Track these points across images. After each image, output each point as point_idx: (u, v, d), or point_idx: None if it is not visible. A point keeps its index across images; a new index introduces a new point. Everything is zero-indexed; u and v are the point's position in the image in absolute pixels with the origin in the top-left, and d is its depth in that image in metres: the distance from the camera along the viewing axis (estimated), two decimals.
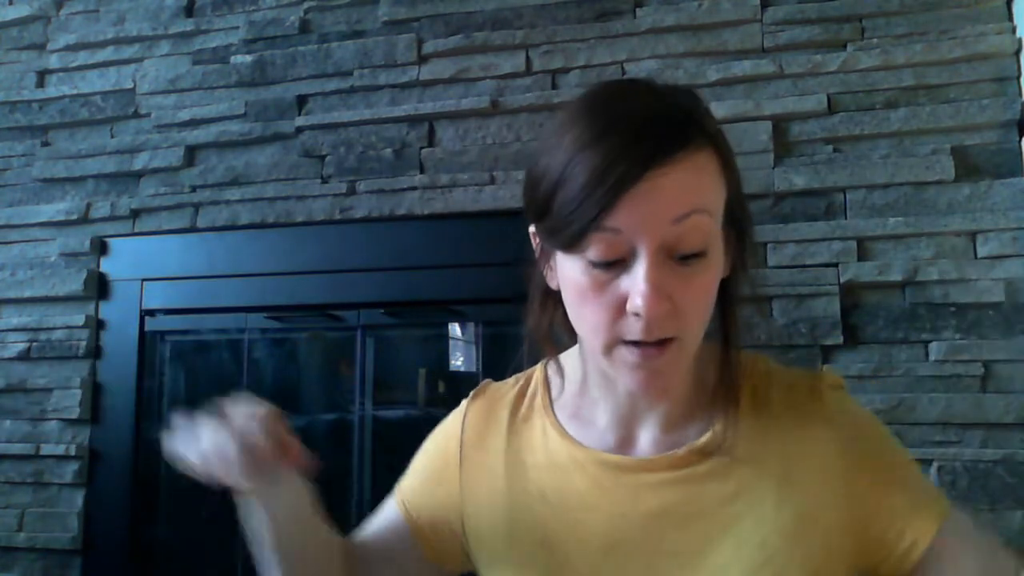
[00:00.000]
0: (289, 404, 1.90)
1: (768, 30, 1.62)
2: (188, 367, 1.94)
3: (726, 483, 0.67)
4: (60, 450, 1.86)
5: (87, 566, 1.82)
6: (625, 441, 0.71)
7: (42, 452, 1.87)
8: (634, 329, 0.60)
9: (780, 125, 1.58)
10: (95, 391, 1.88)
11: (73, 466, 1.85)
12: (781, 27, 1.62)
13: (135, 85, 1.97)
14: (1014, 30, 1.51)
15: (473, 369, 1.79)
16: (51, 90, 2.02)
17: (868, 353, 1.48)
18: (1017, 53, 1.50)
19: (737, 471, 0.67)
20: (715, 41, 1.64)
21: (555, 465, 0.72)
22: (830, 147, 1.56)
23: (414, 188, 1.75)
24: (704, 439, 0.68)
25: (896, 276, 1.48)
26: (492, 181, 1.71)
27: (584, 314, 0.64)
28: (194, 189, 1.89)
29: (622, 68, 1.69)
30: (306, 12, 1.90)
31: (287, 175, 1.84)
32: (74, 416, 1.86)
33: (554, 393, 0.77)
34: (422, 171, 1.76)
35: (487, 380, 0.83)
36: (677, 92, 0.64)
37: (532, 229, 0.70)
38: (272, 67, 1.88)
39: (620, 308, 0.61)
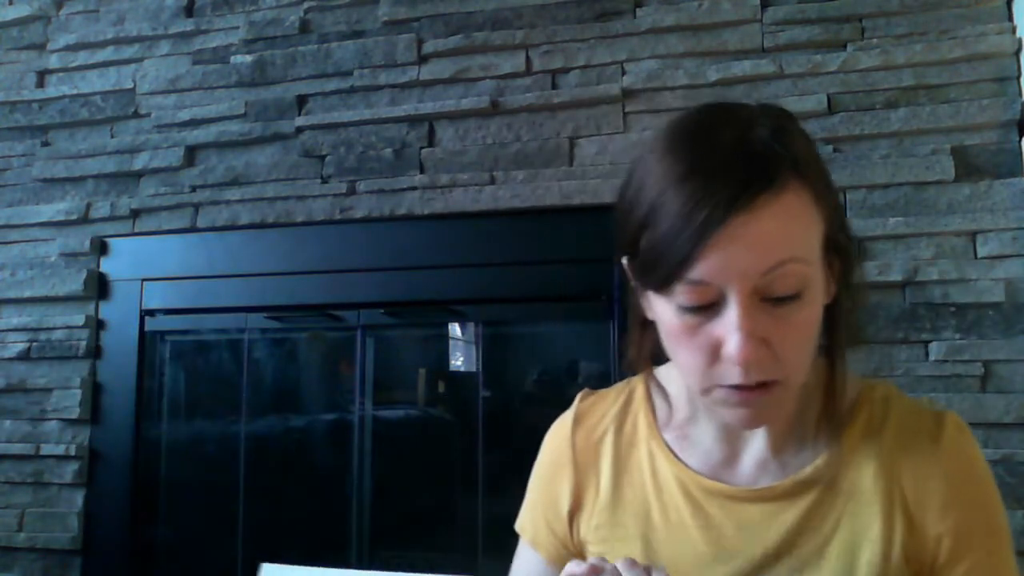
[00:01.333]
0: (289, 404, 1.90)
1: (768, 30, 1.62)
2: (188, 367, 1.94)
3: (830, 515, 0.66)
4: (60, 450, 1.86)
5: (87, 566, 1.82)
6: (730, 459, 0.70)
7: (42, 452, 1.87)
8: (732, 374, 0.58)
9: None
10: (95, 391, 1.88)
11: (73, 466, 1.85)
12: (781, 27, 1.62)
13: (135, 85, 1.97)
14: (1014, 30, 1.51)
15: (473, 369, 1.79)
16: (51, 90, 2.02)
17: (868, 353, 1.48)
18: (1017, 53, 1.50)
19: (843, 503, 0.66)
20: (715, 41, 1.64)
21: (660, 486, 0.71)
22: (830, 147, 1.56)
23: (414, 188, 1.75)
24: (809, 470, 0.67)
25: (896, 276, 1.48)
26: (492, 181, 1.71)
27: (679, 356, 0.62)
28: (194, 189, 1.89)
29: (622, 68, 1.69)
30: (306, 12, 1.90)
31: (287, 175, 1.84)
32: (74, 416, 1.86)
33: (659, 412, 0.75)
34: (422, 171, 1.76)
35: (585, 393, 0.81)
36: (763, 119, 0.60)
37: (624, 261, 0.68)
38: (272, 67, 1.88)
39: (715, 353, 0.59)
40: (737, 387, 0.59)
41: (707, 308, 0.58)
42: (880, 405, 0.69)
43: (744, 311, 0.56)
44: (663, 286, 0.59)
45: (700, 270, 0.56)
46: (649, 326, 0.68)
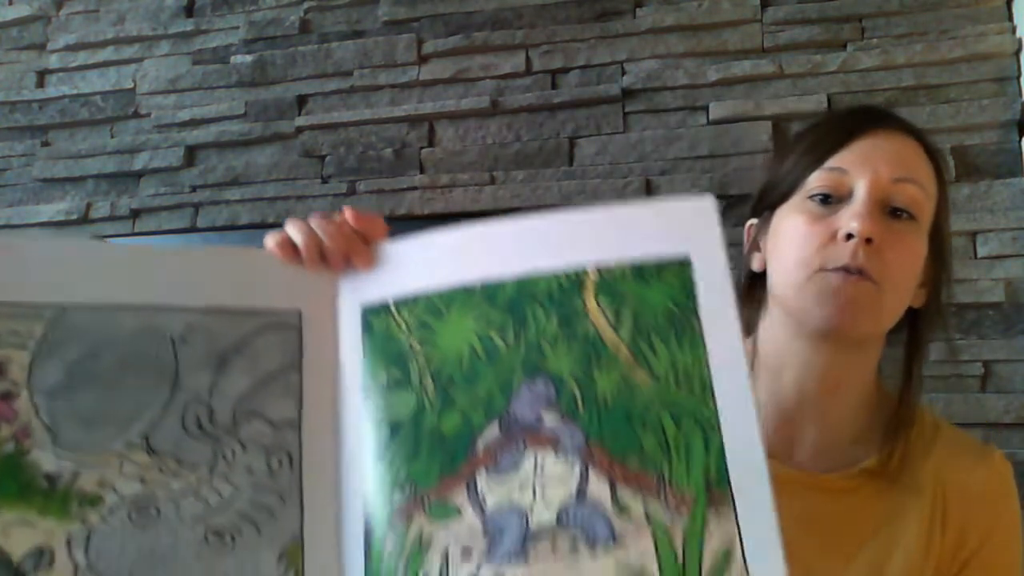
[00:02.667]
0: None
1: (768, 30, 1.62)
2: None
3: (879, 506, 0.67)
4: None
5: None
6: (786, 443, 0.70)
7: None
8: (842, 254, 0.63)
9: (780, 125, 1.58)
10: None
11: None
12: (781, 27, 1.62)
13: (135, 85, 1.97)
14: (1014, 30, 1.51)
15: None
16: (51, 90, 2.02)
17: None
18: (1017, 53, 1.50)
19: (895, 498, 0.67)
20: (715, 41, 1.64)
21: None
22: None
23: (414, 188, 1.75)
24: (872, 461, 0.68)
25: None
26: (492, 181, 1.71)
27: (792, 250, 0.66)
28: (194, 189, 1.89)
29: (622, 68, 1.69)
30: (306, 12, 1.90)
31: (287, 175, 1.84)
32: None
33: None
34: (422, 171, 1.76)
35: None
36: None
37: (749, 222, 0.76)
38: (272, 67, 1.88)
39: (831, 237, 0.64)
40: (842, 269, 0.63)
41: (834, 203, 0.64)
42: (930, 427, 0.71)
43: (869, 199, 0.63)
44: (804, 175, 0.66)
45: (840, 158, 0.65)
46: (753, 284, 0.73)
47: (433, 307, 0.56)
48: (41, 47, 2.07)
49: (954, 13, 1.54)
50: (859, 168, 0.64)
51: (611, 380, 0.53)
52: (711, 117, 1.62)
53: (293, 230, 0.59)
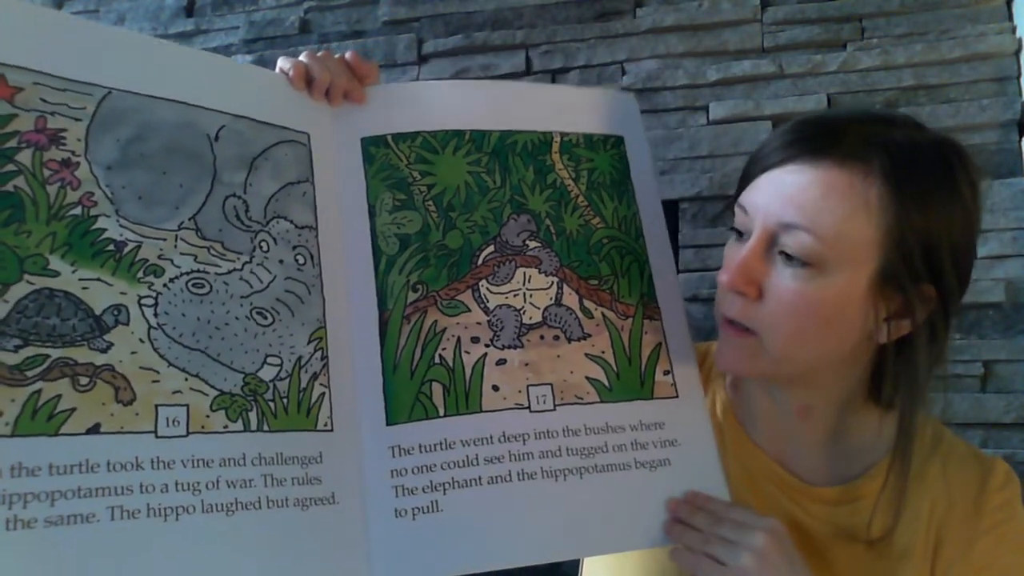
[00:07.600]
0: None
1: (768, 30, 1.62)
2: None
3: (873, 526, 0.63)
4: None
5: None
6: (780, 451, 0.68)
7: None
8: (724, 302, 0.61)
9: (780, 125, 1.58)
10: None
11: None
12: (781, 27, 1.62)
13: None
14: (1014, 30, 1.51)
15: None
16: None
17: None
18: (1017, 53, 1.50)
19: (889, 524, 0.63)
20: (715, 41, 1.64)
21: (723, 447, 0.68)
22: None
23: None
24: (866, 480, 0.65)
25: None
26: None
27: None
28: None
29: (622, 68, 1.69)
30: (306, 12, 1.90)
31: None
32: None
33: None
34: None
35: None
36: (888, 119, 0.60)
37: None
38: (272, 67, 1.88)
39: None
40: (724, 320, 0.62)
41: (745, 239, 0.61)
42: (929, 443, 0.66)
43: (753, 247, 0.59)
44: (730, 208, 0.64)
45: (747, 195, 0.62)
46: None
47: (429, 144, 0.68)
48: None
49: (954, 13, 1.54)
50: (754, 210, 0.60)
51: (574, 221, 0.69)
52: (711, 117, 1.62)
53: (311, 61, 0.66)
